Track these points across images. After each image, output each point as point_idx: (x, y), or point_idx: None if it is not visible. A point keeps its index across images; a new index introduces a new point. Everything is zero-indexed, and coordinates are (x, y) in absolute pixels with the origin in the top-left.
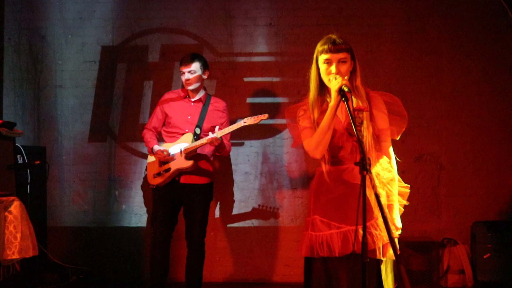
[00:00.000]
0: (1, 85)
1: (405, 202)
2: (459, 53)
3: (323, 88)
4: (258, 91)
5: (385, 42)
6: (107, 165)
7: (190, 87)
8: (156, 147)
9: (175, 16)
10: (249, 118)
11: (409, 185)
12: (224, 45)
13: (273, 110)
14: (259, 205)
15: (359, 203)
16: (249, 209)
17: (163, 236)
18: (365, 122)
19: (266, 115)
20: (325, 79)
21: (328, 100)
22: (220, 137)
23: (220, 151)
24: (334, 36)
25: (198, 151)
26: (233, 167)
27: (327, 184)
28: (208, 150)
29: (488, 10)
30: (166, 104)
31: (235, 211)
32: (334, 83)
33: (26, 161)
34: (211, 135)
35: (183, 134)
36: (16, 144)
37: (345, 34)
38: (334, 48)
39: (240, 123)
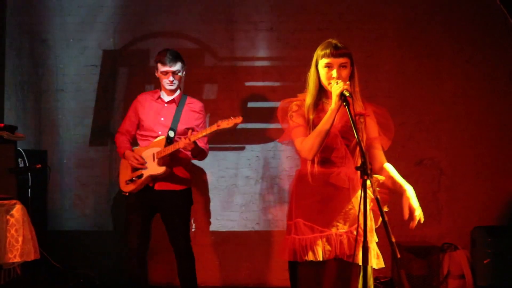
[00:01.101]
0: (3, 89)
1: (385, 209)
2: (459, 58)
3: (321, 92)
4: (259, 96)
5: (386, 46)
6: (108, 169)
7: (173, 88)
8: (128, 153)
9: (176, 21)
10: (223, 121)
11: (386, 191)
12: (225, 49)
13: (274, 115)
14: (260, 210)
15: (359, 208)
16: (250, 213)
17: (138, 246)
18: (362, 127)
19: (240, 118)
20: (325, 83)
21: (324, 101)
22: (194, 141)
23: (196, 155)
24: (335, 41)
25: (173, 155)
26: (234, 171)
27: (310, 186)
28: (183, 155)
29: (488, 15)
30: (139, 105)
31: (235, 215)
32: (335, 87)
33: (27, 164)
34: (183, 139)
35: (156, 137)
36: (18, 148)
37: (345, 38)
38: (336, 52)
39: (214, 127)
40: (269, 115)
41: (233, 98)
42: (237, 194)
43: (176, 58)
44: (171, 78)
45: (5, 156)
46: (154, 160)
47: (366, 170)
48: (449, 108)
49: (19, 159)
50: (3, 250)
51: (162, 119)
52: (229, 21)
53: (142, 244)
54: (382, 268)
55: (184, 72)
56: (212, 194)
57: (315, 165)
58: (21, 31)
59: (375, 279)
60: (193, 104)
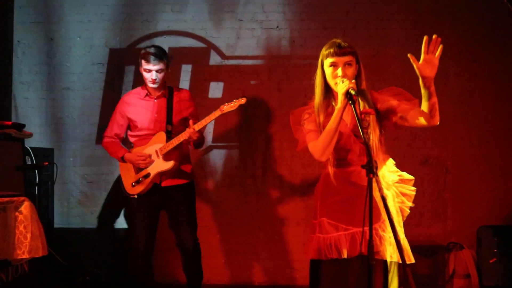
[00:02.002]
0: (10, 87)
1: (410, 204)
2: (465, 57)
3: (328, 92)
4: (265, 94)
5: (392, 45)
6: (115, 167)
7: (156, 86)
8: (129, 155)
9: (182, 19)
10: (226, 104)
11: (415, 188)
12: (232, 48)
13: (280, 113)
14: (265, 208)
15: (365, 206)
16: (255, 212)
17: (146, 247)
18: (371, 124)
19: (244, 99)
20: (331, 82)
21: (333, 103)
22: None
23: (198, 144)
24: (339, 40)
25: (174, 149)
26: (241, 169)
27: (333, 186)
28: (184, 148)
29: (494, 14)
30: (126, 107)
31: (242, 213)
32: (341, 86)
33: (35, 162)
34: (187, 130)
35: (154, 134)
36: (25, 146)
37: (351, 38)
38: (340, 51)
39: (218, 112)
40: (274, 113)
41: (239, 97)
42: (243, 192)
43: (161, 56)
44: (153, 77)
45: (13, 153)
46: (158, 156)
47: (372, 168)
48: (456, 108)
49: (27, 157)
50: (11, 246)
51: (156, 115)
52: (235, 20)
53: (149, 243)
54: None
55: (169, 69)
56: (218, 192)
57: (333, 166)
58: (28, 30)
59: None
60: (181, 94)
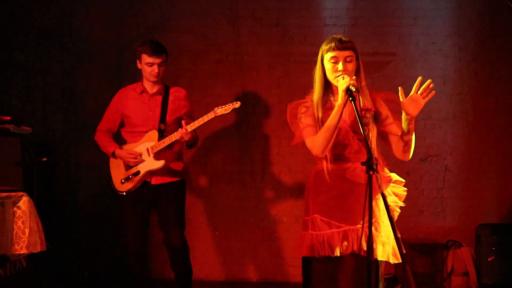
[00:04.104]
0: (10, 82)
1: (402, 204)
2: (465, 55)
3: (327, 87)
4: (264, 91)
5: (392, 43)
6: None
7: (157, 80)
8: (119, 151)
9: (182, 15)
10: (220, 107)
11: (406, 189)
12: (231, 44)
13: (279, 110)
14: (263, 205)
15: (365, 203)
16: (253, 209)
17: (137, 245)
18: (370, 122)
19: (239, 103)
20: (331, 77)
21: (331, 99)
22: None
23: (191, 144)
24: (339, 35)
25: (166, 148)
26: (238, 166)
27: (326, 183)
28: (176, 146)
29: (495, 12)
30: (122, 102)
31: (239, 211)
32: (341, 82)
33: (33, 158)
34: (180, 130)
35: (146, 132)
36: (24, 141)
37: (351, 35)
38: (340, 46)
39: (211, 114)
40: (273, 111)
41: (238, 94)
42: (241, 189)
43: (162, 49)
44: (156, 70)
45: (12, 149)
46: (149, 155)
47: (372, 165)
48: (455, 105)
49: (25, 153)
50: (10, 241)
51: (150, 112)
52: (234, 16)
53: (140, 241)
54: (386, 264)
55: (168, 63)
56: (216, 189)
57: (330, 162)
58: (28, 25)
59: None
60: (178, 93)
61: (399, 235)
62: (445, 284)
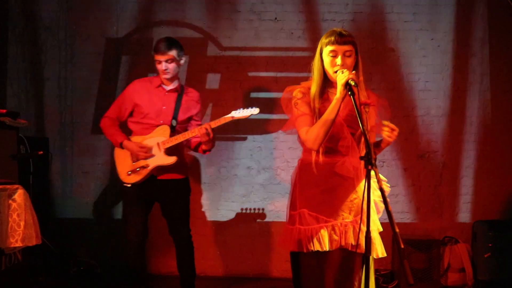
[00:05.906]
0: (6, 76)
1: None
2: (464, 51)
3: (326, 81)
4: (262, 86)
5: (391, 39)
6: (110, 157)
7: (168, 76)
8: (128, 142)
9: (180, 9)
10: (238, 111)
11: (389, 184)
12: (229, 39)
13: (277, 105)
14: (261, 200)
15: (363, 198)
16: (251, 204)
17: (139, 239)
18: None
19: (257, 110)
20: (330, 71)
21: (329, 90)
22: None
23: (209, 145)
24: (339, 29)
25: (176, 144)
26: (236, 161)
27: (314, 176)
28: (183, 144)
29: (494, 9)
30: (136, 92)
31: (237, 206)
32: (341, 76)
33: (29, 151)
34: (203, 127)
35: (157, 126)
36: (20, 134)
37: (350, 30)
38: (340, 39)
39: (229, 118)
40: (271, 105)
41: (236, 88)
42: (238, 184)
43: (169, 46)
44: (163, 67)
45: (7, 142)
46: (160, 149)
47: (371, 160)
48: (453, 102)
49: (21, 146)
50: (4, 234)
51: (164, 107)
52: (233, 11)
53: (141, 235)
54: (383, 260)
55: (182, 60)
56: (213, 184)
57: (320, 154)
58: (24, 18)
59: (375, 271)
60: (192, 94)
61: (397, 230)
62: (441, 280)
